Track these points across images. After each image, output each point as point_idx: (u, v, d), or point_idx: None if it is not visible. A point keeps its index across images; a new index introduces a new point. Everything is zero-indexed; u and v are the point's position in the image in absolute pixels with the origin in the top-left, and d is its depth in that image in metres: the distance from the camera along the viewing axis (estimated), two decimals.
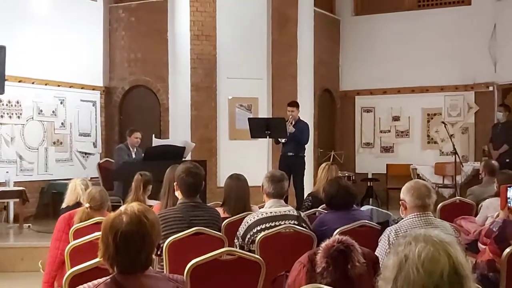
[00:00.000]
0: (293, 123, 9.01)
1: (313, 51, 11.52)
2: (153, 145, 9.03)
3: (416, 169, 11.84)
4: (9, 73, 9.08)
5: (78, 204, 5.37)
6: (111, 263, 2.33)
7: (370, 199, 11.97)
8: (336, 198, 4.68)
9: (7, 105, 9.73)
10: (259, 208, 4.78)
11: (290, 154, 9.05)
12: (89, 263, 2.93)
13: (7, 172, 9.50)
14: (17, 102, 9.89)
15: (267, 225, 4.24)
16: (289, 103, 9.34)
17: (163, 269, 3.94)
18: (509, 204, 4.76)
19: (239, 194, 5.09)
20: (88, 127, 11.15)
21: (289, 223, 4.26)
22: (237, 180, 5.15)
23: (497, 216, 4.92)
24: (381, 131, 12.87)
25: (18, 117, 9.92)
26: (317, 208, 5.57)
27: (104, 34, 11.46)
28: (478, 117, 11.99)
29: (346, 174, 11.10)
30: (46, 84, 10.29)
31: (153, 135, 9.46)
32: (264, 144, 9.05)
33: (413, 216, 3.62)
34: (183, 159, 8.58)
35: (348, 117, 13.16)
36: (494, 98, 11.78)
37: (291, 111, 9.12)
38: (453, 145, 9.78)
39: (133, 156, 9.27)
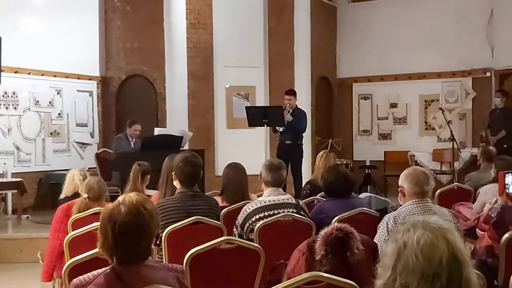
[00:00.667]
0: (290, 111, 9.01)
1: (310, 39, 11.50)
2: (154, 134, 9.05)
3: (414, 156, 11.85)
4: (5, 64, 9.06)
5: (76, 195, 5.38)
6: (110, 254, 2.33)
7: (368, 187, 11.99)
8: (334, 185, 4.68)
9: (3, 96, 9.70)
10: (258, 197, 4.78)
11: (288, 142, 9.05)
12: (88, 254, 2.94)
13: (4, 163, 9.50)
14: (14, 93, 9.86)
15: (266, 213, 4.24)
16: (286, 91, 9.33)
17: (162, 258, 3.94)
18: (507, 190, 4.76)
19: (237, 183, 5.09)
20: (85, 117, 11.13)
21: (288, 211, 4.26)
22: (235, 168, 5.14)
23: (495, 202, 4.92)
24: (378, 118, 12.88)
25: (15, 108, 9.89)
26: (316, 196, 5.57)
27: (100, 23, 11.39)
28: (476, 103, 11.99)
29: (344, 162, 11.10)
30: (42, 75, 10.26)
31: (155, 128, 9.52)
32: (261, 133, 9.04)
33: (412, 203, 3.63)
34: (181, 148, 8.58)
35: (345, 105, 13.15)
36: (491, 84, 11.76)
37: (288, 99, 9.12)
38: (451, 132, 9.78)
39: (132, 146, 9.27)
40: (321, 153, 6.46)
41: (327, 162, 6.17)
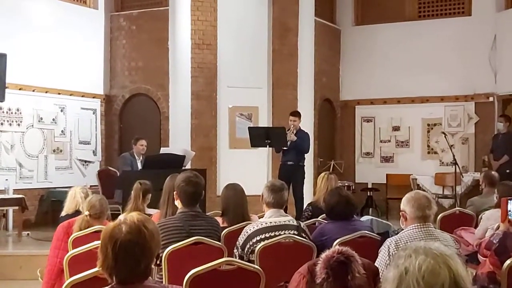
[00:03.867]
0: (294, 132, 9.03)
1: (314, 61, 11.54)
2: (160, 153, 9.10)
3: (416, 179, 11.83)
4: (9, 81, 9.11)
5: (77, 212, 5.37)
6: (110, 273, 2.32)
7: (370, 209, 11.95)
8: (336, 208, 4.66)
9: (7, 112, 9.74)
10: (259, 218, 4.77)
11: (290, 163, 9.06)
12: (88, 273, 2.92)
13: (6, 179, 9.49)
14: (17, 110, 9.90)
15: (267, 235, 4.23)
16: (291, 112, 9.37)
17: (162, 279, 3.92)
18: (509, 217, 4.74)
19: (237, 204, 5.06)
20: (88, 135, 11.15)
21: (289, 233, 4.25)
22: (233, 190, 5.12)
23: (497, 228, 4.90)
24: (381, 141, 12.88)
25: (18, 124, 9.92)
26: (317, 218, 5.55)
27: (105, 42, 11.48)
28: (478, 128, 11.99)
29: (346, 184, 11.10)
30: (46, 92, 10.30)
31: (161, 148, 9.56)
32: (264, 153, 9.05)
33: (414, 227, 3.61)
34: (183, 168, 8.58)
35: (348, 127, 13.16)
36: (494, 109, 11.78)
37: (293, 120, 9.14)
38: (453, 156, 9.78)
39: (138, 164, 9.26)
40: (322, 174, 6.45)
41: (329, 184, 6.16)
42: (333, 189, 5.21)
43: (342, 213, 4.63)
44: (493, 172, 7.40)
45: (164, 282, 3.78)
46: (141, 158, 9.33)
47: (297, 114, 9.32)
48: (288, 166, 9.07)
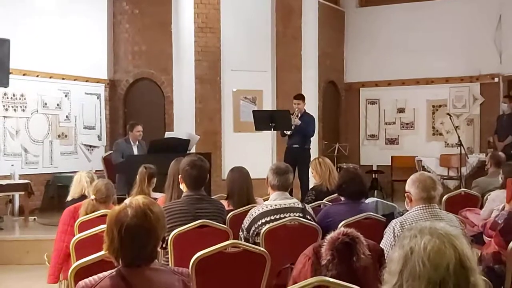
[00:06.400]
0: (299, 115, 9.00)
1: (318, 43, 11.50)
2: (165, 137, 9.08)
3: (421, 161, 11.81)
4: (13, 66, 9.10)
5: (83, 197, 5.40)
6: (116, 256, 2.33)
7: (375, 191, 11.95)
8: (349, 184, 4.63)
9: (11, 98, 9.74)
10: (264, 201, 4.77)
11: (296, 146, 9.05)
12: (95, 256, 2.94)
13: (12, 165, 9.54)
14: (22, 95, 9.90)
15: (272, 217, 4.23)
16: (295, 96, 9.33)
17: (168, 262, 3.94)
18: None
19: (241, 187, 5.08)
20: (93, 120, 11.16)
21: (294, 216, 4.26)
22: (238, 172, 5.13)
23: (503, 208, 4.90)
24: (386, 123, 12.85)
25: (23, 110, 9.93)
26: (322, 201, 5.55)
27: (108, 26, 11.44)
28: (483, 109, 11.95)
29: (351, 166, 11.07)
30: (50, 77, 10.30)
31: (166, 132, 9.59)
32: (268, 137, 9.03)
33: (419, 208, 3.61)
34: (188, 151, 8.58)
35: (352, 109, 13.13)
36: (499, 90, 11.73)
37: (297, 103, 9.11)
38: (458, 137, 9.76)
39: (135, 150, 9.18)
40: (316, 161, 6.33)
41: (329, 166, 6.15)
42: (350, 168, 5.23)
43: (353, 190, 4.62)
44: (500, 153, 7.40)
45: (170, 265, 3.80)
46: (137, 143, 9.27)
47: (301, 97, 9.28)
48: (293, 149, 9.06)
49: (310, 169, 6.56)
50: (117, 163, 9.02)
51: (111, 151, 10.49)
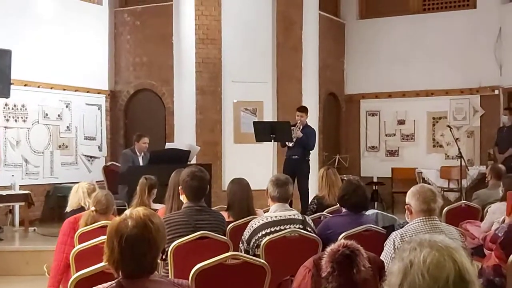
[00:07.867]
0: (301, 128, 9.01)
1: (318, 55, 11.51)
2: (166, 148, 9.09)
3: (421, 173, 11.81)
4: (14, 77, 9.12)
5: (82, 208, 5.38)
6: (116, 268, 2.33)
7: (375, 203, 11.93)
8: (351, 196, 4.62)
9: (12, 108, 9.76)
10: (264, 212, 4.77)
11: (295, 157, 9.04)
12: (94, 267, 2.94)
13: (12, 175, 9.54)
14: (23, 106, 9.92)
15: (272, 229, 4.23)
16: (298, 108, 9.35)
17: (168, 273, 3.94)
18: None
19: (242, 198, 5.08)
20: (94, 130, 11.17)
21: (294, 227, 4.25)
22: (239, 184, 5.14)
23: (503, 221, 4.90)
24: (386, 135, 12.86)
25: (24, 120, 9.95)
26: (322, 212, 5.55)
27: (110, 38, 11.49)
28: (484, 121, 11.96)
29: (351, 178, 11.06)
30: (51, 88, 10.32)
31: (166, 143, 9.57)
32: (269, 148, 9.04)
33: (419, 221, 3.61)
34: (188, 162, 8.59)
35: (353, 121, 13.15)
36: (499, 102, 11.75)
37: (300, 116, 9.11)
38: (459, 149, 9.76)
39: (140, 161, 9.24)
40: (322, 171, 6.41)
41: (335, 178, 6.17)
42: (353, 180, 5.22)
43: (355, 201, 4.60)
44: (500, 165, 7.39)
45: (170, 277, 3.79)
46: (142, 154, 9.31)
47: (304, 109, 9.29)
48: (293, 160, 9.06)
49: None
50: (120, 173, 9.06)
51: (112, 162, 10.53)
